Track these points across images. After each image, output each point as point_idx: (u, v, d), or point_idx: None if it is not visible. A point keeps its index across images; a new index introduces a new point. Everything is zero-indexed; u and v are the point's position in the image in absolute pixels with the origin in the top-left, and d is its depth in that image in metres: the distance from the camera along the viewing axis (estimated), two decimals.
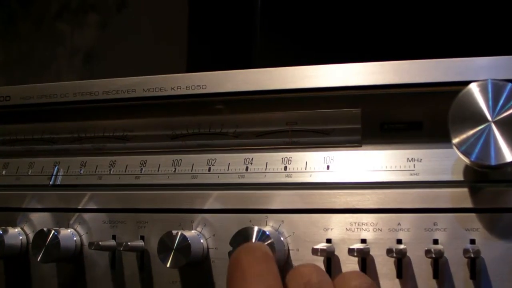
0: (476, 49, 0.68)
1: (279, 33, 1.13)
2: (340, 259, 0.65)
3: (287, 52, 1.12)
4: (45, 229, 0.72)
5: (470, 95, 0.59)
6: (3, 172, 0.80)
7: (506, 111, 0.58)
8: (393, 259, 0.63)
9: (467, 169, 0.63)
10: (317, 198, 0.66)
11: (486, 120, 0.58)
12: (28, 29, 1.58)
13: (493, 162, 0.57)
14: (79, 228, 0.74)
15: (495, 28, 0.99)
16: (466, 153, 0.58)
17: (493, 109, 0.58)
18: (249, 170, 0.70)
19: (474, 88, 0.59)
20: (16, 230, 0.76)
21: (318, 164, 0.68)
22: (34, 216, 0.77)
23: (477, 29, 0.99)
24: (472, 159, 0.58)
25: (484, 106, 0.58)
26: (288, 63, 0.70)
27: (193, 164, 0.72)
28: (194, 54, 1.29)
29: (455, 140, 0.59)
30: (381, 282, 0.64)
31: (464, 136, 0.58)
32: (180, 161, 0.73)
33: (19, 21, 1.59)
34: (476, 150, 0.58)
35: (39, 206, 0.77)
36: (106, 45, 1.49)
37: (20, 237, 0.76)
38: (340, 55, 0.78)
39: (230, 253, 0.64)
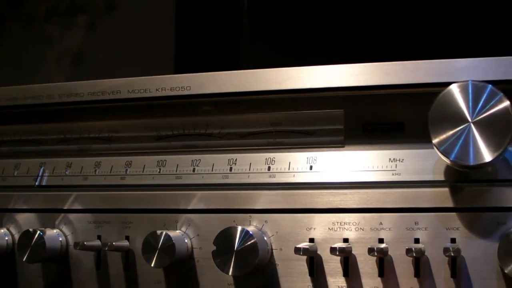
0: (457, 51, 0.69)
1: (265, 33, 1.14)
2: (323, 258, 0.66)
3: (274, 52, 1.12)
4: (30, 229, 0.73)
5: (451, 96, 0.60)
6: None
7: (485, 112, 0.58)
8: (375, 258, 0.64)
9: (448, 169, 0.64)
10: (300, 198, 0.67)
11: (466, 120, 0.59)
12: (17, 30, 1.58)
13: (471, 162, 0.58)
14: (64, 229, 0.75)
15: (476, 30, 0.99)
16: (446, 153, 0.59)
17: (473, 109, 0.59)
18: (233, 171, 0.71)
19: (454, 88, 0.60)
20: (2, 230, 0.76)
21: (301, 165, 0.69)
22: (20, 216, 0.77)
23: (459, 31, 1.00)
24: (452, 159, 0.58)
25: (464, 106, 0.59)
26: (275, 64, 0.70)
27: (177, 165, 0.73)
28: (182, 54, 1.29)
29: (435, 140, 0.59)
30: (363, 280, 0.64)
31: (444, 136, 0.59)
32: (165, 161, 0.73)
33: (8, 22, 1.59)
34: (456, 150, 0.58)
35: (25, 207, 0.77)
36: (95, 47, 1.49)
37: (6, 238, 0.76)
38: (326, 55, 0.79)
39: (214, 253, 0.65)
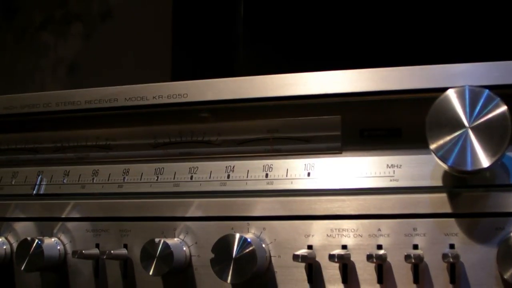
0: (454, 56, 0.69)
1: (261, 42, 1.14)
2: (321, 265, 0.65)
3: (270, 60, 1.12)
4: (28, 238, 0.73)
5: (448, 101, 0.60)
6: None
7: (483, 117, 0.58)
8: (373, 265, 0.64)
9: (446, 175, 0.64)
10: (298, 205, 0.67)
11: (463, 126, 0.59)
12: (12, 40, 1.58)
13: (469, 167, 0.58)
14: (62, 237, 0.75)
15: (472, 35, 1.00)
16: (443, 159, 0.59)
17: (470, 115, 0.59)
18: (230, 178, 0.70)
19: (451, 94, 0.60)
20: (0, 239, 0.76)
21: (299, 171, 0.69)
22: (18, 225, 0.77)
23: (455, 36, 1.00)
24: (449, 164, 0.58)
25: (461, 112, 0.59)
26: (271, 72, 0.70)
27: (175, 173, 0.73)
28: (178, 63, 1.29)
29: (433, 146, 0.59)
30: (362, 287, 0.64)
31: (441, 141, 0.59)
32: (162, 169, 0.73)
33: (3, 32, 1.59)
34: (453, 156, 0.58)
35: (22, 216, 0.77)
36: (90, 55, 1.49)
37: (4, 247, 0.76)
38: (322, 63, 0.79)
39: (212, 261, 0.64)
